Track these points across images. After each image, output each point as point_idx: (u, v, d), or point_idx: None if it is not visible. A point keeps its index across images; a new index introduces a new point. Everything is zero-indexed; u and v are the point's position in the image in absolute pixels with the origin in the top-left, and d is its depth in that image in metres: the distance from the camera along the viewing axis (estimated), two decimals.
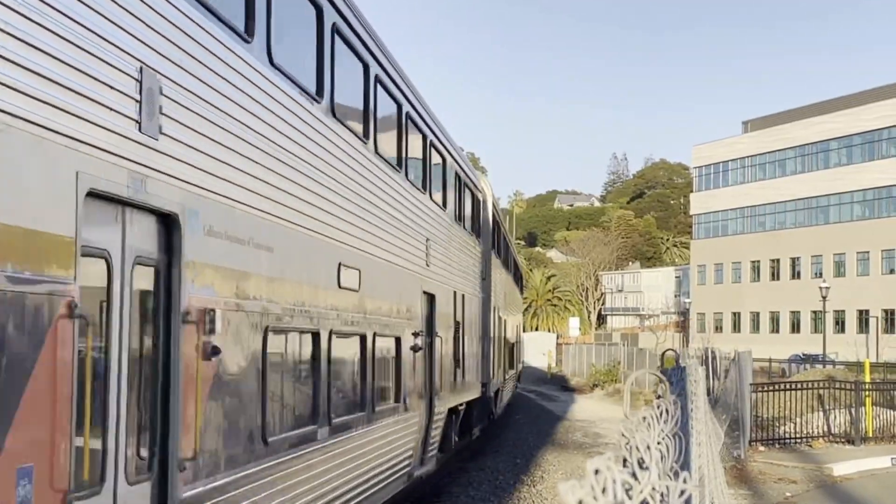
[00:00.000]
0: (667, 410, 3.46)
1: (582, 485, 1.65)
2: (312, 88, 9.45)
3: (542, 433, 29.55)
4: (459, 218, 19.13)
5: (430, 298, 15.72)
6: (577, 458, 23.26)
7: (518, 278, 43.56)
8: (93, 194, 5.36)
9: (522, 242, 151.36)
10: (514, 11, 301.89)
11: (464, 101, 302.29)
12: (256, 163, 7.77)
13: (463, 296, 19.12)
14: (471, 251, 20.90)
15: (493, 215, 25.68)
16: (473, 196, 21.78)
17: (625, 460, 2.84)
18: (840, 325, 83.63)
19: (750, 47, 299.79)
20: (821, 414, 25.41)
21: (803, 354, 65.19)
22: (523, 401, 41.62)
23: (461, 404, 19.73)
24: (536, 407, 40.65)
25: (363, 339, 11.41)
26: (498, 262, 27.19)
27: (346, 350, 10.88)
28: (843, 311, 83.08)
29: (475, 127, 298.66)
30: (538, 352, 70.86)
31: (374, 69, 12.02)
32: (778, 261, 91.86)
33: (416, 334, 14.26)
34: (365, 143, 11.42)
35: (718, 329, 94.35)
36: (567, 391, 52.57)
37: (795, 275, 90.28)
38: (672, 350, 25.42)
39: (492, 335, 24.60)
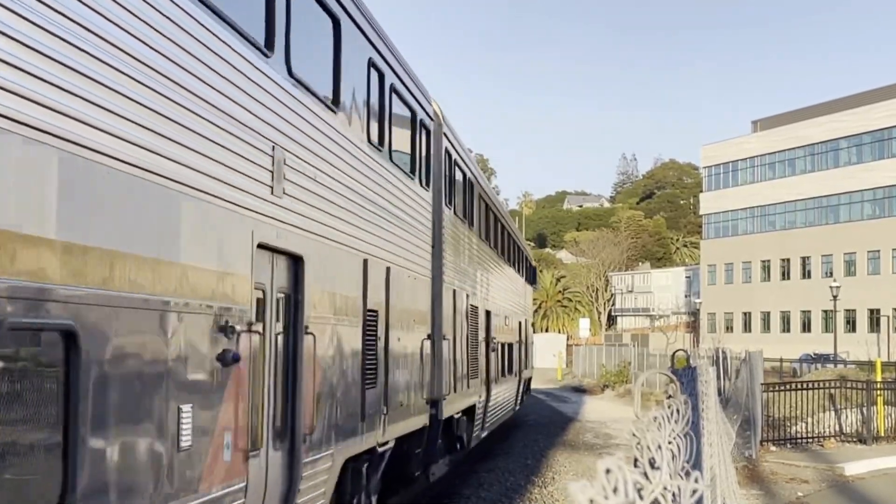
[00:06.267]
0: (677, 410, 3.46)
1: (593, 485, 1.66)
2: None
3: (552, 434, 29.53)
4: (528, 280, 35.08)
5: (519, 324, 29.67)
6: (588, 459, 23.24)
7: None
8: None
9: (532, 244, 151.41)
10: (521, 12, 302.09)
11: (472, 101, 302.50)
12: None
13: (527, 320, 33.53)
14: (530, 296, 37.32)
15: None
16: (530, 262, 37.43)
17: (636, 460, 2.85)
18: (851, 324, 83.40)
19: (759, 46, 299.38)
20: (832, 413, 25.35)
21: (814, 354, 64.97)
22: (533, 402, 41.55)
23: (526, 379, 33.37)
24: (547, 408, 40.62)
25: (508, 345, 25.61)
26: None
27: (505, 349, 24.81)
28: (854, 311, 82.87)
29: (484, 128, 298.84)
30: (548, 353, 70.83)
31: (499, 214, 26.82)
32: (788, 260, 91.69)
33: (517, 341, 28.43)
34: (500, 255, 25.42)
35: (729, 329, 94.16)
36: (577, 392, 52.53)
37: (806, 274, 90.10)
38: (683, 350, 25.41)
39: (534, 341, 39.87)
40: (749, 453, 21.31)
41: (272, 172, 7.64)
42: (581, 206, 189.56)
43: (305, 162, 8.51)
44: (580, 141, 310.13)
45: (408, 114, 13.30)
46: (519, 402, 30.59)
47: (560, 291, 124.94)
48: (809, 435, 24.63)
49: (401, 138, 12.77)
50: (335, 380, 9.34)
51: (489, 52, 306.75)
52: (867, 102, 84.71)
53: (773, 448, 23.54)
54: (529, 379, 36.08)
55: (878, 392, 25.38)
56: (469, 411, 18.51)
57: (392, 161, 11.85)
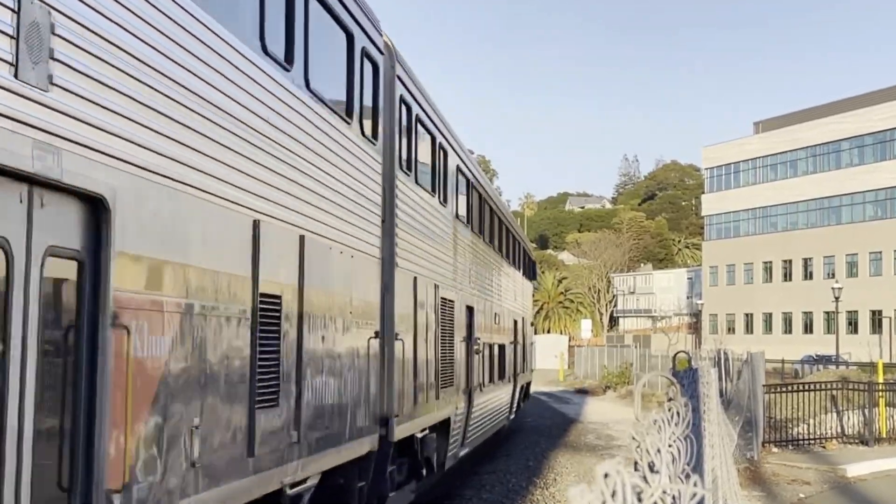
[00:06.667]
0: (678, 413, 3.46)
1: (591, 489, 1.65)
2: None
3: (553, 435, 29.54)
4: (527, 275, 33.08)
5: (515, 323, 27.40)
6: (589, 460, 23.23)
7: None
8: None
9: (534, 245, 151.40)
10: (522, 12, 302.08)
11: (474, 103, 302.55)
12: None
13: (524, 318, 31.15)
14: (529, 293, 35.26)
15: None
16: (529, 255, 35.58)
17: (636, 463, 2.84)
18: (853, 325, 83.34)
19: (759, 46, 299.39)
20: (834, 415, 25.35)
21: (816, 355, 64.94)
22: (534, 403, 41.53)
23: (524, 384, 30.90)
24: (548, 409, 40.60)
25: (500, 346, 23.28)
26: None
27: (495, 351, 22.38)
28: (856, 312, 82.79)
29: (485, 129, 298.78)
30: (550, 354, 70.85)
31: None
32: (790, 261, 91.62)
33: (512, 342, 26.20)
34: (489, 244, 22.58)
35: (731, 330, 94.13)
36: (579, 393, 52.53)
37: (808, 275, 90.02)
38: (684, 352, 25.41)
39: (534, 342, 38.29)
40: (751, 455, 21.29)
41: (14, 40, 4.45)
42: (583, 208, 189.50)
43: (111, 42, 5.22)
44: (581, 141, 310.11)
45: (340, 35, 9.90)
46: (514, 410, 27.85)
47: (562, 293, 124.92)
48: (811, 436, 24.62)
49: (326, 64, 9.51)
50: (185, 400, 6.09)
51: (488, 51, 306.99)
52: (869, 104, 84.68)
53: (774, 449, 23.53)
54: (528, 384, 33.59)
55: (880, 393, 25.37)
56: (442, 426, 15.57)
57: (310, 91, 8.69)
